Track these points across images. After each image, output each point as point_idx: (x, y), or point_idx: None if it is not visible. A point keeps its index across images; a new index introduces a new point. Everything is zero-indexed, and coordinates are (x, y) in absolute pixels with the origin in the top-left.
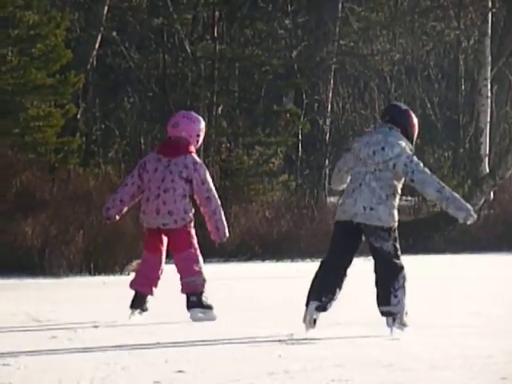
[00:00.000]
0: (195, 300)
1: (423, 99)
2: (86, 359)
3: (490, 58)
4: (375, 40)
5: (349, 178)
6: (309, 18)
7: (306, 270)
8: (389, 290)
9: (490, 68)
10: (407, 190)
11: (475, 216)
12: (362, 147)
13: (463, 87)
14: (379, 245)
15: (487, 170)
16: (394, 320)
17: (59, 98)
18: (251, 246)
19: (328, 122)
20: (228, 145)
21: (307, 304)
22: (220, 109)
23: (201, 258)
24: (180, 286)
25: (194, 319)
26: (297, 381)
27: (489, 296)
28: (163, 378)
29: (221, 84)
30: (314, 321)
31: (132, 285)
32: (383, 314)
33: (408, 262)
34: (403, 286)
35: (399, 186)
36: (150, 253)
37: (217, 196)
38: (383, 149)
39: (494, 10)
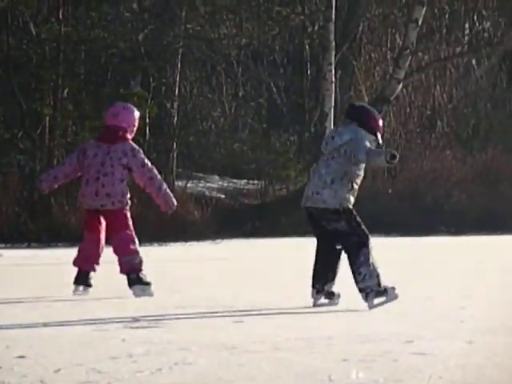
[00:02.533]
0: (135, 277)
1: (269, 84)
2: None
3: (334, 44)
4: (222, 24)
5: None
6: (155, 2)
7: (154, 254)
8: (352, 269)
9: (334, 53)
10: (254, 174)
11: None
12: (324, 140)
13: (308, 72)
14: (333, 227)
15: None
16: (366, 296)
17: None
18: None
19: (175, 105)
20: (74, 128)
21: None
22: (66, 91)
23: (136, 239)
24: (118, 267)
25: (137, 295)
26: (140, 364)
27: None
28: (4, 363)
29: (66, 67)
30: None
31: (75, 262)
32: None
33: (254, 245)
34: (366, 262)
35: (355, 171)
36: (90, 232)
37: (157, 173)
38: (333, 138)
39: None
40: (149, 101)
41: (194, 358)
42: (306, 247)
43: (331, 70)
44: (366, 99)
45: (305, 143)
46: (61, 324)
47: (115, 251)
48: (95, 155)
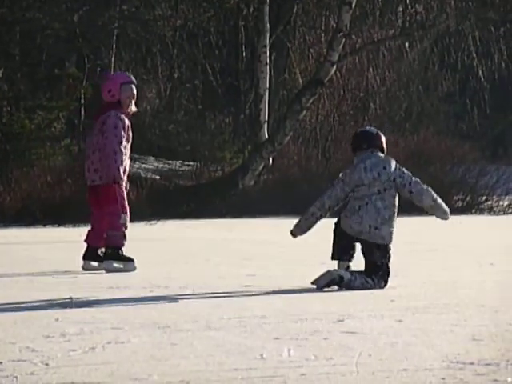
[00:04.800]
0: (111, 252)
1: (204, 65)
2: None
3: (268, 26)
4: (157, 5)
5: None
6: None
7: None
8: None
9: (268, 35)
10: (190, 156)
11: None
12: (362, 175)
13: (243, 54)
14: (373, 259)
15: (266, 136)
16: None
17: None
18: (32, 211)
19: None
20: (9, 108)
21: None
22: (1, 72)
23: (126, 216)
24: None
25: (108, 270)
26: (73, 343)
27: (265, 259)
28: None
29: (1, 47)
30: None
31: (86, 239)
32: None
33: (189, 226)
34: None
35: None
36: (93, 208)
37: (115, 144)
38: (385, 168)
39: None
40: (84, 82)
41: (126, 337)
42: (239, 228)
43: (266, 53)
44: (301, 81)
45: (240, 125)
46: None
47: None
48: (91, 133)
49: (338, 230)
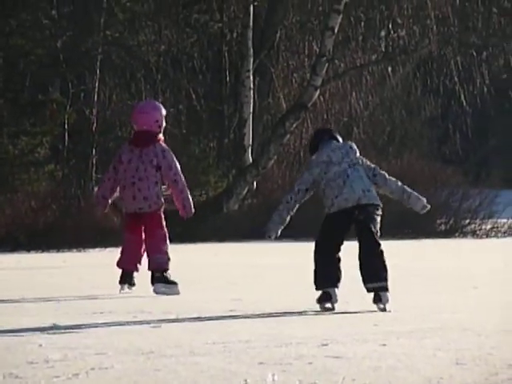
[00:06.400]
0: (159, 276)
1: (188, 90)
2: None
3: (252, 51)
4: (141, 31)
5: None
6: (74, 9)
7: (73, 260)
8: (375, 261)
9: (252, 60)
10: None
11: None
12: (330, 153)
13: (227, 79)
14: (373, 222)
15: (250, 160)
16: (387, 291)
17: None
18: (16, 237)
19: (95, 111)
20: None
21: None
22: None
23: (168, 240)
24: (147, 263)
25: (158, 292)
26: (57, 369)
27: (250, 283)
28: None
29: None
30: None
31: (118, 264)
32: (374, 289)
33: (173, 250)
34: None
35: None
36: (131, 234)
37: (183, 178)
38: (351, 147)
39: (255, 3)
40: (68, 107)
41: (110, 362)
42: (224, 252)
43: (249, 77)
44: (284, 106)
45: (224, 149)
46: None
47: (146, 249)
48: (130, 160)
49: (319, 256)
